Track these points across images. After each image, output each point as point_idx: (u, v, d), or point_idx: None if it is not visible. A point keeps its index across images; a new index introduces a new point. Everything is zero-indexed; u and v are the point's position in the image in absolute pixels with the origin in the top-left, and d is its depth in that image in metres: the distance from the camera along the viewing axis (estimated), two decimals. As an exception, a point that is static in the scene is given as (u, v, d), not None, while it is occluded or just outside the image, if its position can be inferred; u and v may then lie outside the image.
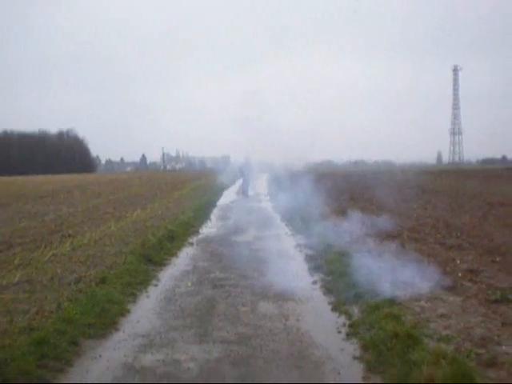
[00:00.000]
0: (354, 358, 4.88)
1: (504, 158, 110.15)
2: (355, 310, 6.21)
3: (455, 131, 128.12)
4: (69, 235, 11.68)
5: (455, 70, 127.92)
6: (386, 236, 10.76)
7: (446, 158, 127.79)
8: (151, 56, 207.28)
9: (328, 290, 7.29)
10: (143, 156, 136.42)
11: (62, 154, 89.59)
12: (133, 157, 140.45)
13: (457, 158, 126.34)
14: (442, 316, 5.83)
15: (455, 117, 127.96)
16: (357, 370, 4.62)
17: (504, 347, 4.89)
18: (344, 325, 5.80)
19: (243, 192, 24.90)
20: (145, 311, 6.44)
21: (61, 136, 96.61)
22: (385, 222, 12.73)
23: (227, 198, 25.34)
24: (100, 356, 4.97)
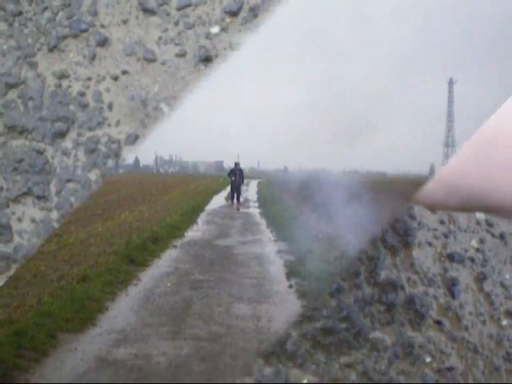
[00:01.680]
0: (317, 357, 5.15)
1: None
2: (325, 313, 6.48)
3: (449, 143, 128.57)
4: (55, 235, 11.89)
5: (450, 82, 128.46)
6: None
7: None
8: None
9: (302, 293, 7.53)
10: (136, 159, 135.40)
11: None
12: (125, 159, 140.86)
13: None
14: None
15: (449, 129, 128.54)
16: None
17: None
18: (312, 326, 6.07)
19: (231, 198, 25.06)
20: (123, 309, 6.66)
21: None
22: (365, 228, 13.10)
23: (216, 202, 25.60)
24: (75, 349, 5.19)
